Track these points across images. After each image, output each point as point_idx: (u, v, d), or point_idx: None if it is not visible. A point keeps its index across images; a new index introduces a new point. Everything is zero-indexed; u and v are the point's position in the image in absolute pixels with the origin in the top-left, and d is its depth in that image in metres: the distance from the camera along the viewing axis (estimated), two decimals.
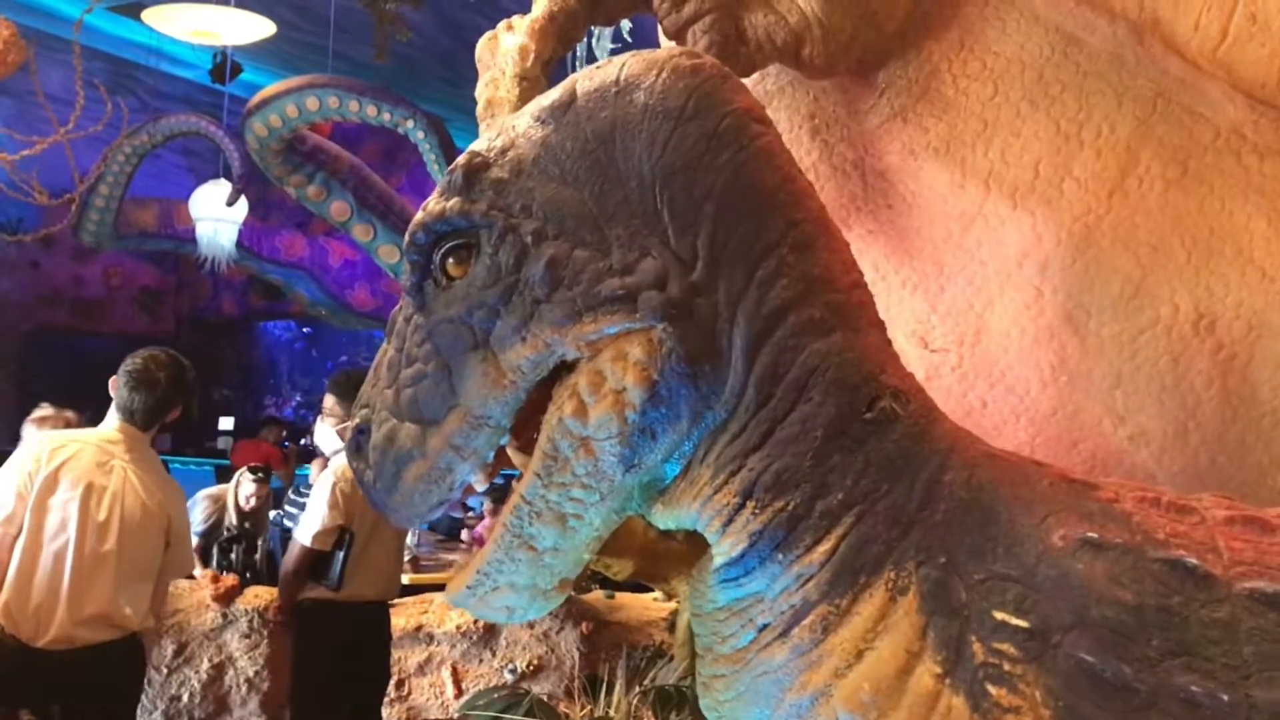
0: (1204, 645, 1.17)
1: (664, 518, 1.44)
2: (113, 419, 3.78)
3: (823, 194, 2.50)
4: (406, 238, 1.43)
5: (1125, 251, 2.16)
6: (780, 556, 1.32)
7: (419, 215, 1.42)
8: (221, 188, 10.61)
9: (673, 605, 5.76)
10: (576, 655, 6.47)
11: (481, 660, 6.56)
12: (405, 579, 7.47)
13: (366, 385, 1.54)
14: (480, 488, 1.47)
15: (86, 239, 11.17)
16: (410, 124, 8.33)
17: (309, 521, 4.50)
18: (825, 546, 1.30)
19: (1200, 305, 2.12)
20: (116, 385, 3.78)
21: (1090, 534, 1.24)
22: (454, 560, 8.34)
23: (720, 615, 1.40)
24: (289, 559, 4.52)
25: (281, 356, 16.86)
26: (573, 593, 6.84)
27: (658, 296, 1.32)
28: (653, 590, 6.92)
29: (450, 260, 1.41)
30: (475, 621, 6.64)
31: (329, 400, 4.78)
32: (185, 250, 11.92)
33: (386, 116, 8.36)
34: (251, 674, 6.12)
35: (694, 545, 1.49)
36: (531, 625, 6.64)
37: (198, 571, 6.09)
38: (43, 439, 3.66)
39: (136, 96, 13.44)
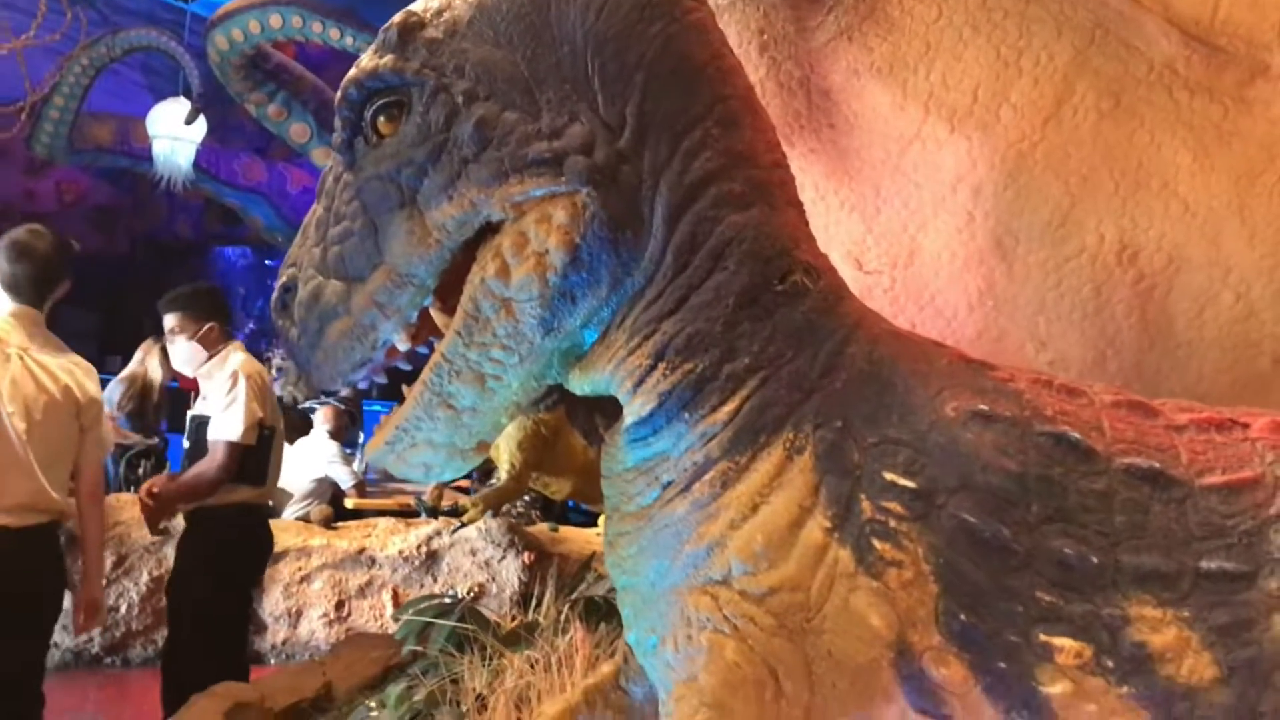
0: (1080, 513, 1.24)
1: (580, 382, 1.48)
2: (1, 303, 3.63)
3: (769, 111, 2.55)
4: (339, 94, 1.45)
5: (1056, 180, 2.22)
6: (686, 416, 1.37)
7: (352, 71, 1.45)
8: (180, 106, 10.45)
9: None
10: (517, 583, 6.55)
11: (422, 585, 6.62)
12: (350, 503, 7.52)
13: (294, 245, 1.57)
14: (402, 347, 1.50)
15: (39, 150, 10.96)
16: None
17: (230, 418, 4.19)
18: (729, 407, 1.36)
19: (1125, 236, 2.18)
20: None
21: (981, 406, 1.30)
22: (399, 488, 8.39)
23: (629, 476, 1.45)
24: (216, 460, 4.12)
25: (236, 282, 16.70)
26: (517, 522, 6.91)
27: (584, 161, 1.35)
28: (595, 525, 7.00)
29: (381, 118, 1.44)
30: (417, 547, 6.70)
31: (173, 319, 4.39)
32: (141, 169, 11.71)
33: (349, 41, 8.27)
34: None
35: None
36: (474, 553, 6.71)
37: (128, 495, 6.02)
38: None
39: (96, 10, 13.14)
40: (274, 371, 11.82)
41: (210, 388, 4.31)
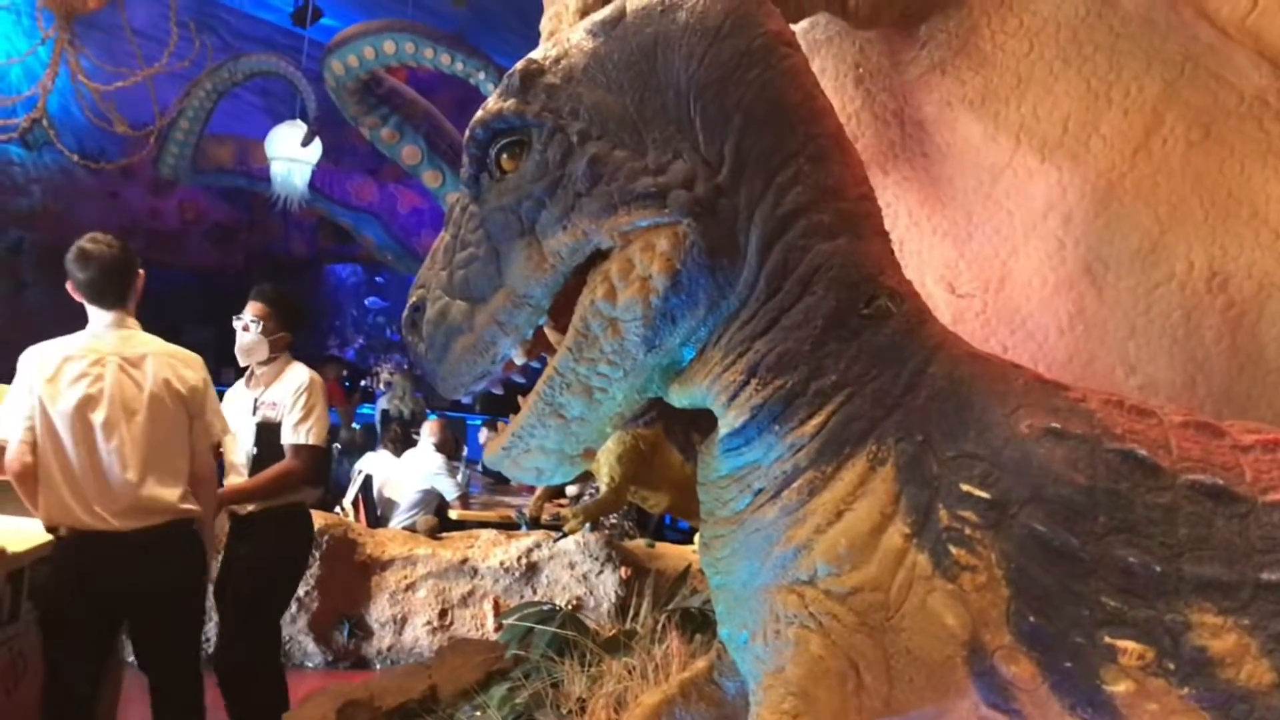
0: (1145, 525, 1.33)
1: (679, 396, 1.61)
2: (92, 317, 3.76)
3: (863, 141, 2.65)
4: (466, 133, 1.61)
5: (1145, 208, 2.27)
6: (776, 428, 1.50)
7: (479, 113, 1.60)
8: (297, 129, 10.87)
9: None
10: (614, 596, 6.67)
11: (522, 596, 6.77)
12: (454, 515, 7.74)
13: (424, 268, 1.73)
14: (519, 362, 1.65)
15: (165, 172, 11.51)
16: (481, 75, 8.48)
17: (311, 423, 4.41)
18: (816, 420, 1.48)
19: (1214, 263, 2.22)
20: (72, 284, 3.74)
21: (1054, 424, 1.40)
22: (501, 501, 8.60)
23: (723, 483, 1.58)
24: (300, 460, 4.36)
25: (347, 298, 17.22)
26: (613, 537, 7.03)
27: (685, 195, 1.49)
28: (691, 542, 7.10)
29: (504, 155, 1.59)
30: (518, 559, 6.87)
31: (258, 308, 4.52)
32: (259, 189, 12.19)
33: (459, 66, 8.53)
34: (301, 594, 6.38)
35: None
36: (572, 566, 6.85)
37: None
38: (33, 355, 3.64)
39: (219, 36, 13.76)
40: (381, 385, 12.19)
41: (277, 394, 4.50)
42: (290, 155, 11.00)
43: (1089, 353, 2.42)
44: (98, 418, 3.58)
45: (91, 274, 3.72)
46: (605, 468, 5.58)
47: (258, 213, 15.23)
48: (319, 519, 6.62)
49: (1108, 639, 1.30)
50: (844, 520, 1.43)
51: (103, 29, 10.47)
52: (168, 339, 3.92)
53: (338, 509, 7.59)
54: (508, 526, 7.56)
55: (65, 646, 3.57)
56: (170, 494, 3.71)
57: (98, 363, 3.64)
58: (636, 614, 4.10)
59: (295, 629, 6.39)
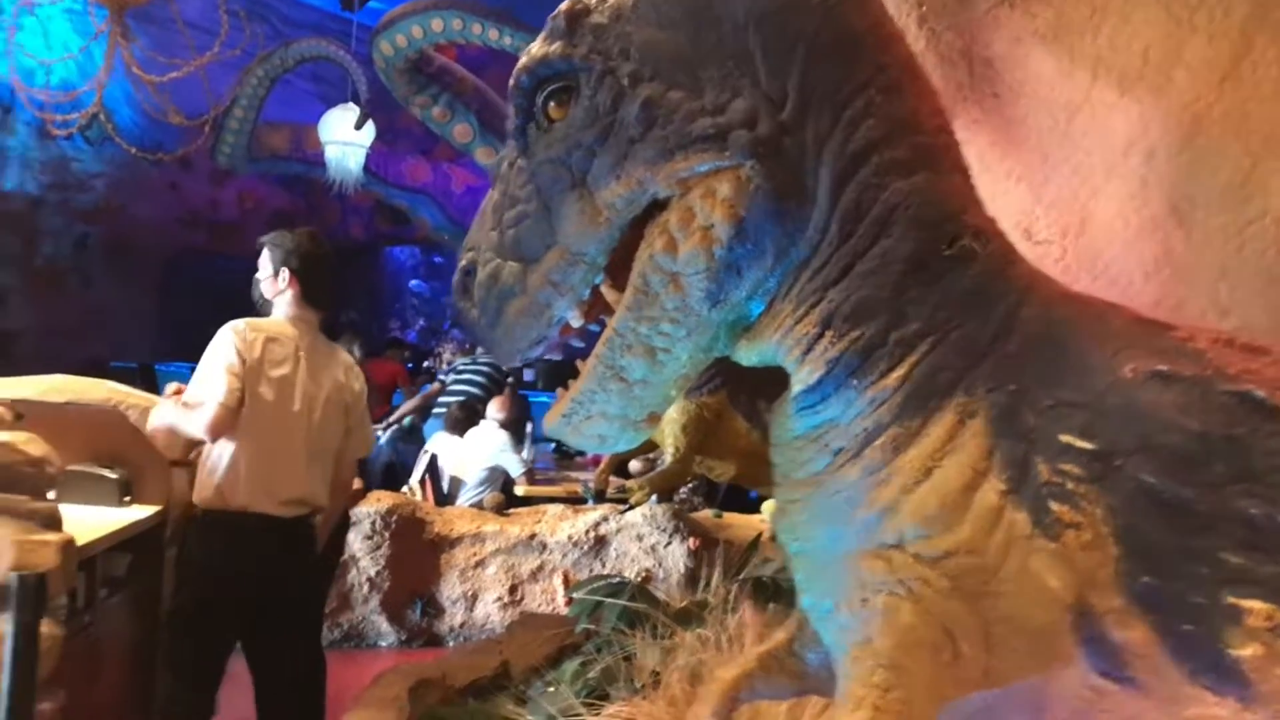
0: (1267, 473, 1.20)
1: (747, 353, 1.51)
2: (295, 309, 3.78)
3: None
4: (511, 82, 1.52)
5: (1235, 140, 2.13)
6: (855, 382, 1.39)
7: (522, 60, 1.51)
8: (350, 112, 10.86)
9: None
10: (683, 568, 6.61)
11: (591, 570, 6.74)
12: (520, 491, 7.73)
13: (473, 229, 1.64)
14: (576, 324, 1.56)
15: (222, 161, 11.57)
16: None
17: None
18: (899, 373, 1.37)
19: None
20: (288, 273, 3.77)
21: (1160, 366, 1.28)
22: (568, 476, 8.58)
23: (798, 443, 1.48)
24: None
25: (406, 282, 17.28)
26: (681, 508, 6.97)
27: (747, 135, 1.38)
28: (759, 511, 7.02)
29: (551, 103, 1.49)
30: (585, 532, 6.83)
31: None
32: (315, 174, 12.23)
33: (508, 41, 8.44)
34: (373, 574, 6.42)
35: None
36: (640, 539, 6.81)
37: None
38: (239, 329, 3.63)
39: (269, 23, 13.82)
40: (443, 365, 12.20)
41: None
42: (344, 139, 11.01)
43: (1177, 297, 2.29)
44: (290, 406, 3.62)
45: (316, 272, 3.79)
46: (670, 438, 5.49)
47: (315, 198, 15.28)
48: (388, 499, 6.65)
49: (1231, 599, 1.18)
50: (933, 479, 1.32)
51: (154, 21, 10.54)
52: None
53: (405, 489, 7.60)
54: (574, 501, 7.53)
55: (203, 629, 3.59)
56: (324, 493, 3.79)
57: (295, 354, 3.68)
58: (707, 585, 4.02)
59: (368, 609, 6.43)
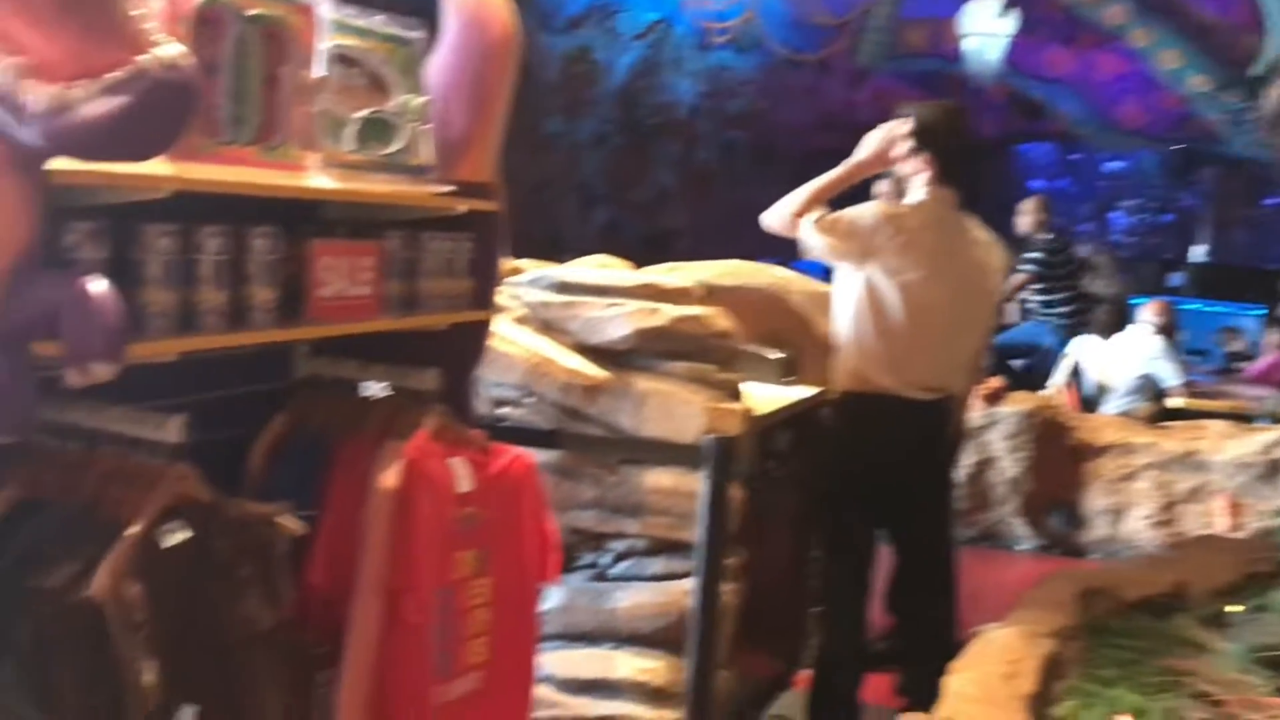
0: None
1: None
2: (922, 187, 3.66)
3: None
4: None
5: None
6: None
7: None
8: (991, 1, 10.44)
9: None
10: None
11: (1261, 496, 6.01)
12: (1173, 403, 7.09)
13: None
14: None
15: (863, 60, 11.71)
16: None
17: None
18: None
19: None
20: (928, 156, 3.65)
21: None
22: (1229, 391, 7.76)
23: None
24: None
25: (1037, 180, 16.47)
26: None
27: None
28: None
29: None
30: (1257, 454, 6.10)
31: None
32: (950, 70, 11.96)
33: None
34: (1013, 476, 6.23)
35: None
36: None
37: None
38: (874, 211, 3.63)
39: None
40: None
41: None
42: (985, 30, 10.62)
43: None
44: (929, 291, 3.56)
45: (953, 150, 3.71)
46: None
47: (949, 96, 15.02)
48: (1030, 400, 6.40)
49: None
50: None
51: None
52: None
53: (1044, 389, 7.27)
54: (1241, 418, 6.75)
55: (847, 508, 3.72)
56: (960, 377, 3.78)
57: (932, 238, 3.60)
58: None
59: (1005, 510, 6.30)
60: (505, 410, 3.08)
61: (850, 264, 3.63)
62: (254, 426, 2.18)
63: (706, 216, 13.43)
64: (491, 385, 2.98)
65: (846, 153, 3.84)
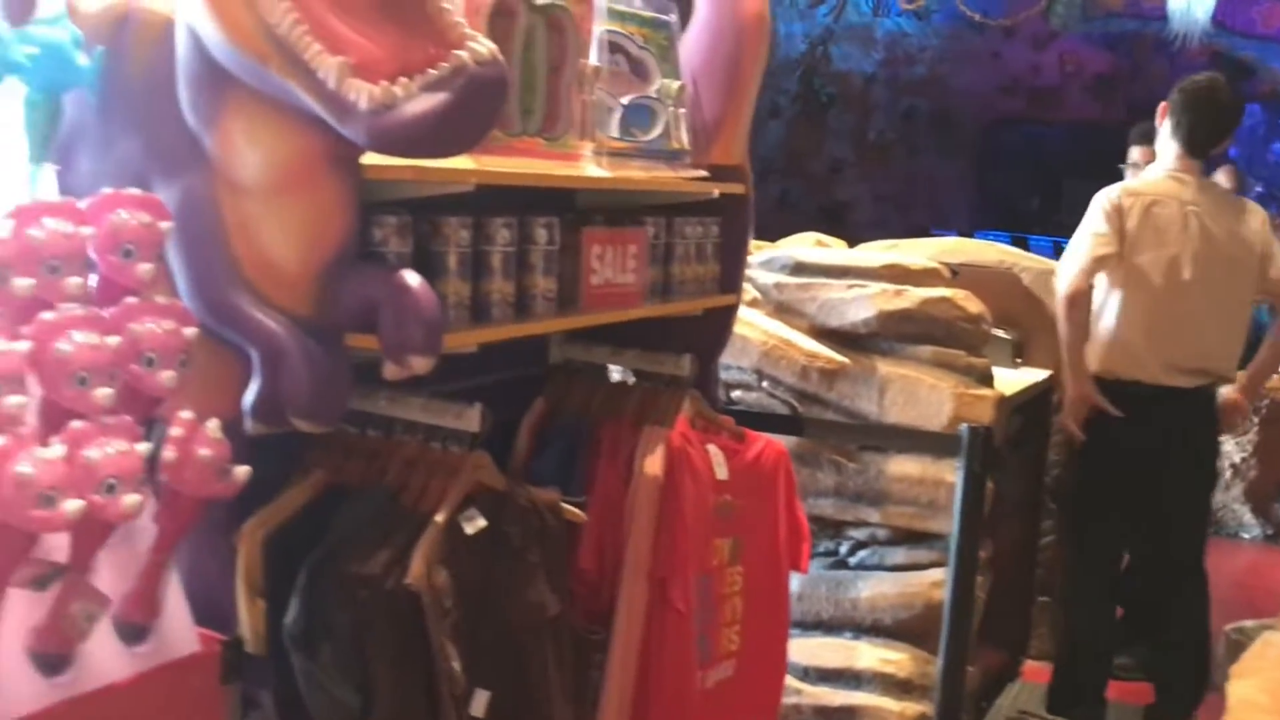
0: None
1: None
2: (1168, 156, 3.50)
3: None
4: None
5: None
6: None
7: None
8: None
9: None
10: None
11: None
12: None
13: None
14: None
15: (1055, 23, 11.26)
16: None
17: None
18: None
19: None
20: (1166, 111, 3.53)
21: None
22: None
23: None
24: None
25: (1241, 144, 15.54)
26: None
27: None
28: None
29: None
30: None
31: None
32: (1149, 30, 11.43)
33: None
34: (1237, 460, 5.94)
35: None
36: None
37: None
38: (1111, 196, 3.45)
39: None
40: None
41: None
42: None
43: None
44: (1180, 272, 3.39)
45: (1201, 121, 3.50)
46: None
47: (1141, 59, 14.27)
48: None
49: None
50: None
51: None
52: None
53: None
54: None
55: (1096, 506, 3.58)
56: (1230, 359, 3.56)
57: (1181, 215, 3.42)
58: None
59: (1229, 496, 5.97)
60: (738, 394, 3.05)
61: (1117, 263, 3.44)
62: (513, 411, 2.19)
63: (882, 187, 13.19)
64: (725, 369, 2.95)
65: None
